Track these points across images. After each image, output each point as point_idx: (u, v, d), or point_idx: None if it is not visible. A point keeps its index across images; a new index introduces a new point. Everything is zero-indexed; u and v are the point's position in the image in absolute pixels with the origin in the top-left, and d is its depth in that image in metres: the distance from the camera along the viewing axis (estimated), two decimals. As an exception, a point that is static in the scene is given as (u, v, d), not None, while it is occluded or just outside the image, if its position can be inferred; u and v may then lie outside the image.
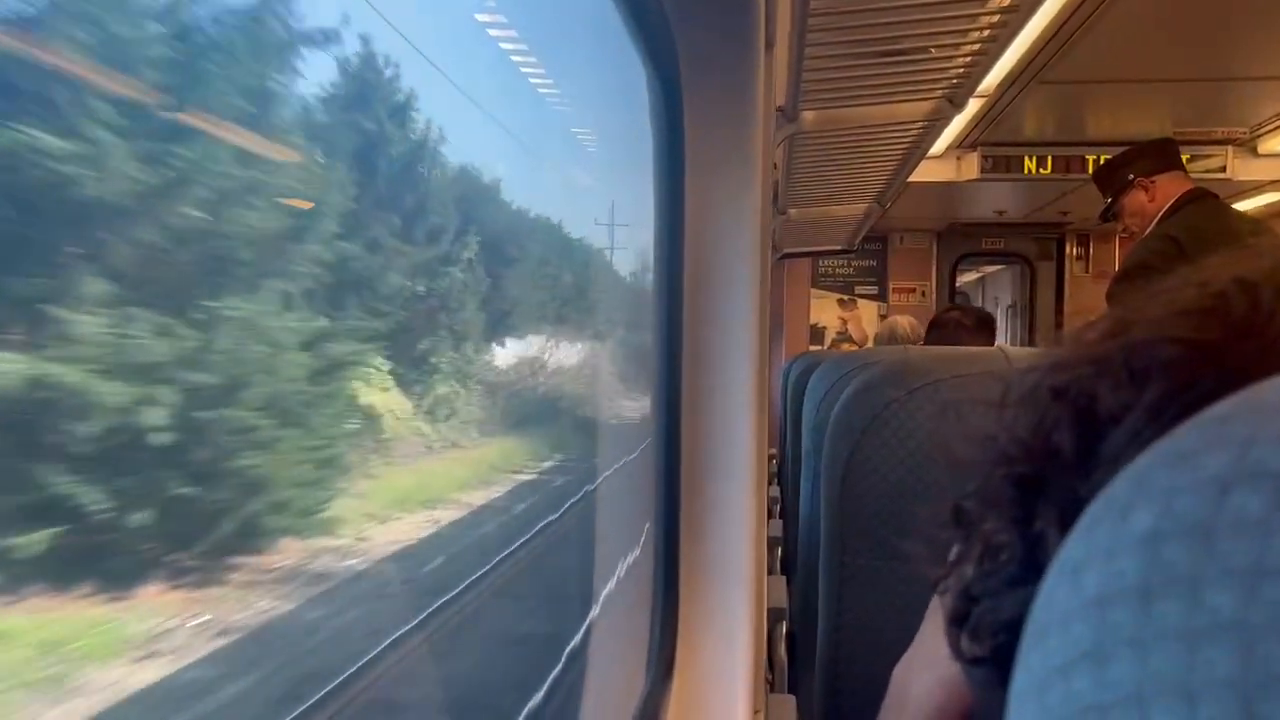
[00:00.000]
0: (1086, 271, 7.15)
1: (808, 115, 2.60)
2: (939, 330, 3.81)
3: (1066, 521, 0.31)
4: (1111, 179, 3.28)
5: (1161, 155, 3.20)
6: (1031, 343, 7.09)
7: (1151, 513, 0.24)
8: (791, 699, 1.73)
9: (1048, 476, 0.44)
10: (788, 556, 3.18)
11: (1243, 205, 5.13)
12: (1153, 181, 3.14)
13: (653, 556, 1.06)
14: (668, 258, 0.99)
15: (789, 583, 2.74)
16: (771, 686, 2.40)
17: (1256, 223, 3.33)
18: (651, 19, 0.88)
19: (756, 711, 1.06)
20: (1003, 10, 2.02)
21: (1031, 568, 0.42)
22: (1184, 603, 0.22)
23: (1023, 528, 0.45)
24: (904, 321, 4.89)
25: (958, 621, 0.50)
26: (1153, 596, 0.22)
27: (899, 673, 0.70)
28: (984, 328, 3.76)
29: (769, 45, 1.03)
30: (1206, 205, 3.06)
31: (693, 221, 0.96)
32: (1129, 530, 0.24)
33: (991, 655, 0.46)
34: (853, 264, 7.33)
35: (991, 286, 9.70)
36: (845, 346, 7.22)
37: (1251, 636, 0.20)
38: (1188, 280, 0.43)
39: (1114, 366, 0.42)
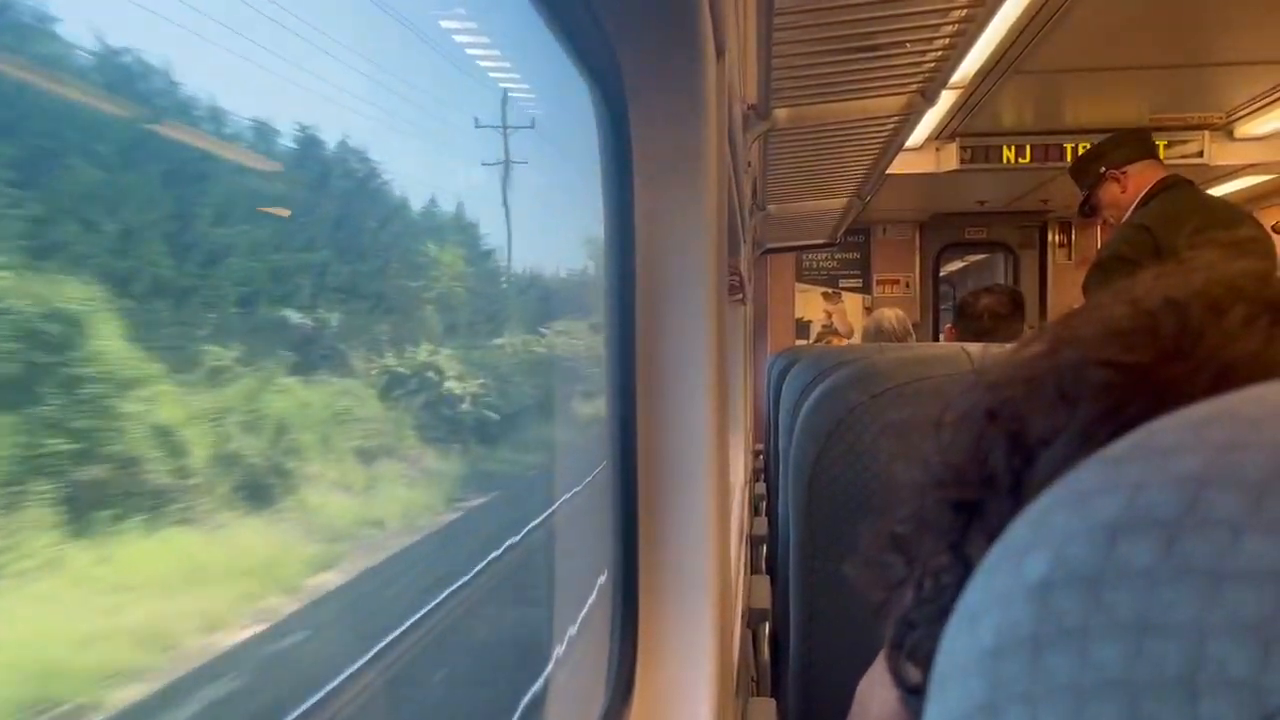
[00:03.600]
0: (1069, 259, 7.18)
1: (780, 113, 2.59)
2: (972, 321, 3.48)
3: None
4: (1085, 173, 3.29)
5: (1132, 145, 3.20)
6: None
7: (1045, 559, 0.23)
8: (771, 702, 1.72)
9: (982, 501, 0.43)
10: (772, 555, 3.17)
11: (1221, 190, 5.15)
12: (1124, 172, 3.14)
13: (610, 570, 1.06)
14: (619, 274, 0.98)
15: (774, 583, 2.73)
16: (756, 689, 2.40)
17: (1229, 207, 3.32)
18: (592, 37, 0.88)
19: (724, 722, 1.06)
20: (970, 4, 2.02)
21: None
22: (1073, 657, 0.21)
23: (959, 553, 0.44)
24: (890, 315, 4.80)
25: (897, 647, 0.49)
26: (1043, 649, 0.22)
27: (863, 687, 0.69)
28: (1018, 310, 3.51)
29: (720, 54, 1.02)
30: (1179, 193, 3.06)
31: (644, 238, 0.96)
32: (1023, 577, 0.23)
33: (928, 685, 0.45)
34: (836, 257, 7.34)
35: (975, 276, 9.72)
36: (832, 339, 7.24)
37: (1136, 694, 0.19)
38: (1119, 297, 0.42)
39: (1045, 388, 0.41)
